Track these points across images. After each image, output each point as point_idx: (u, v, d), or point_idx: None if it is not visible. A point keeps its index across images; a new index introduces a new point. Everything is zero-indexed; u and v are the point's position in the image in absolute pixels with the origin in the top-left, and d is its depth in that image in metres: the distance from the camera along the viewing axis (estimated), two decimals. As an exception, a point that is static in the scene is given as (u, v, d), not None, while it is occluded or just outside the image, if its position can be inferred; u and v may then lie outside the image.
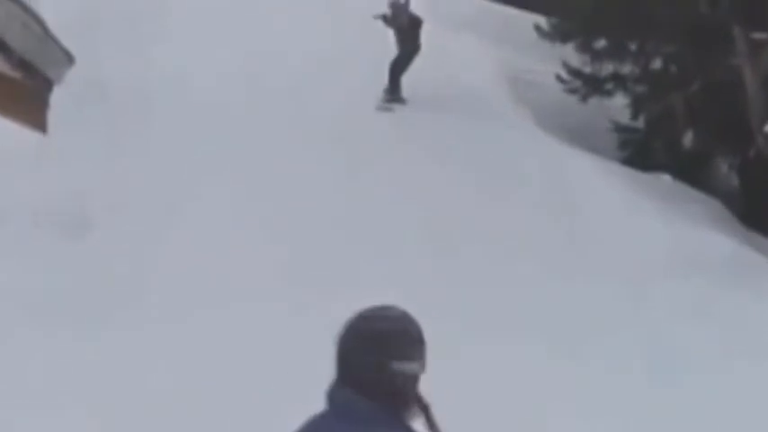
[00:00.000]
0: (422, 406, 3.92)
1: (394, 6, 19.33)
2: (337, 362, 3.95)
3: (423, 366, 3.92)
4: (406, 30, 19.30)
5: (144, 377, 10.42)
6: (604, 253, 15.23)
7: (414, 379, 3.89)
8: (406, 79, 19.41)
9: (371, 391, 3.84)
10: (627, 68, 22.21)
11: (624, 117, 22.17)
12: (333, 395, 3.93)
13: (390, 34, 19.51)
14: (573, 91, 21.92)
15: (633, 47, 22.02)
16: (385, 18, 19.37)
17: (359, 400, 3.84)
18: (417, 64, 19.59)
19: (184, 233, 14.02)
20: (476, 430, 8.72)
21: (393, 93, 19.37)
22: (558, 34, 22.33)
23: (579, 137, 20.50)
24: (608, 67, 22.22)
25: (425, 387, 4.07)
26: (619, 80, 22.19)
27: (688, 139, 21.89)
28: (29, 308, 11.40)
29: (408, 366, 3.87)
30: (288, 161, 16.45)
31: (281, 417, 9.83)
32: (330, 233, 14.63)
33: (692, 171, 20.73)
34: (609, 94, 22.16)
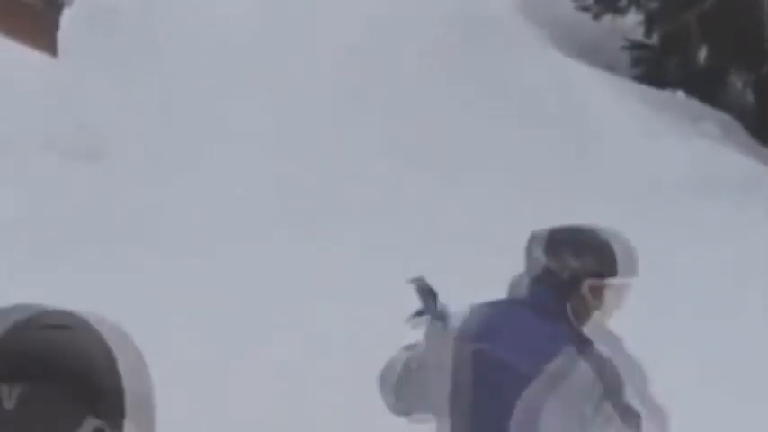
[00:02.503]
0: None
1: None
2: (533, 263, 4.29)
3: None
4: None
5: (158, 306, 10.42)
6: (617, 172, 15.17)
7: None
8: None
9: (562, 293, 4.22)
10: (639, -16, 21.99)
11: (637, 34, 21.99)
12: (532, 289, 4.27)
13: None
14: (585, 8, 21.71)
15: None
16: None
17: (555, 298, 4.23)
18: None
19: (198, 163, 13.98)
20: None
21: None
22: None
23: (592, 54, 20.36)
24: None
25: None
26: (631, -4, 21.98)
27: (702, 55, 21.71)
28: (38, 236, 11.38)
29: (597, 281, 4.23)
30: (303, 87, 16.34)
31: (305, 338, 9.89)
32: (339, 161, 14.58)
33: (706, 88, 20.60)
34: (621, 11, 21.94)
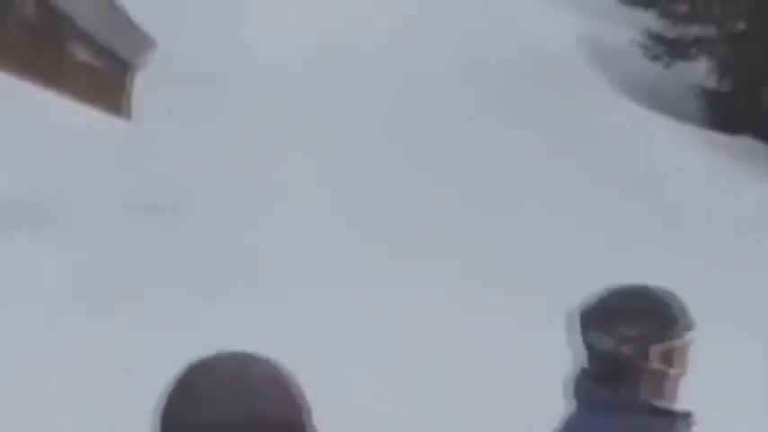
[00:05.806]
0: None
1: None
2: (578, 351, 3.56)
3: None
4: None
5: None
6: (691, 217, 15.12)
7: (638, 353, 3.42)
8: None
9: (602, 376, 3.46)
10: (710, 31, 21.94)
11: (706, 81, 21.93)
12: (576, 388, 3.54)
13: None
14: (655, 57, 21.70)
15: (717, 10, 21.76)
16: None
17: (597, 389, 3.46)
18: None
19: (271, 215, 14.11)
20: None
21: None
22: (640, 0, 22.15)
23: (661, 102, 20.34)
24: (690, 32, 21.97)
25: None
26: (702, 44, 21.93)
27: (772, 100, 21.61)
28: (118, 293, 11.50)
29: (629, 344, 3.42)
30: (366, 135, 16.49)
31: (392, 390, 9.88)
32: (408, 203, 14.66)
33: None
34: (692, 58, 21.91)
